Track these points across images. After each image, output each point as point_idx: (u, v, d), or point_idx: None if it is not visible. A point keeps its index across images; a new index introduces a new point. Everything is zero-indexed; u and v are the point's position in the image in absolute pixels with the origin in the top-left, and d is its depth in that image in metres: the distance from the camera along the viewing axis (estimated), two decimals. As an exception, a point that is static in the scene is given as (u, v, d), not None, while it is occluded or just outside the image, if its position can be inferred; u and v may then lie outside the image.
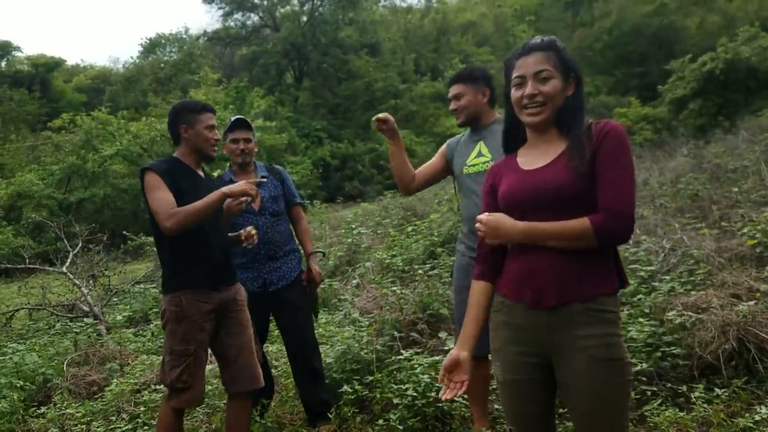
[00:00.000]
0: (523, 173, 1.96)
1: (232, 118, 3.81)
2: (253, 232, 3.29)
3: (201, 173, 3.18)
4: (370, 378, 3.89)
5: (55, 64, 41.19)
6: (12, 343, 6.23)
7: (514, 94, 1.94)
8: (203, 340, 3.01)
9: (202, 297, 2.98)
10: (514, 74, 1.94)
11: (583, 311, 1.82)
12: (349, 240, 8.51)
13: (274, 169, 3.93)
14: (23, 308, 8.35)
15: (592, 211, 1.82)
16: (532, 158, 1.97)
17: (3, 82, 36.48)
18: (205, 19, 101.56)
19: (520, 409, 1.98)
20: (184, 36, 40.41)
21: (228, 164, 3.83)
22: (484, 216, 1.94)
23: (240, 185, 2.88)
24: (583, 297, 1.82)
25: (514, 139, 2.07)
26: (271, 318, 3.91)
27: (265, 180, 3.59)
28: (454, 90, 3.22)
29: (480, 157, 3.13)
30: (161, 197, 2.85)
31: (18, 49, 41.56)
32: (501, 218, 1.91)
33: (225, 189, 2.88)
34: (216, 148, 3.13)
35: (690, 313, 3.76)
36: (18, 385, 4.83)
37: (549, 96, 1.88)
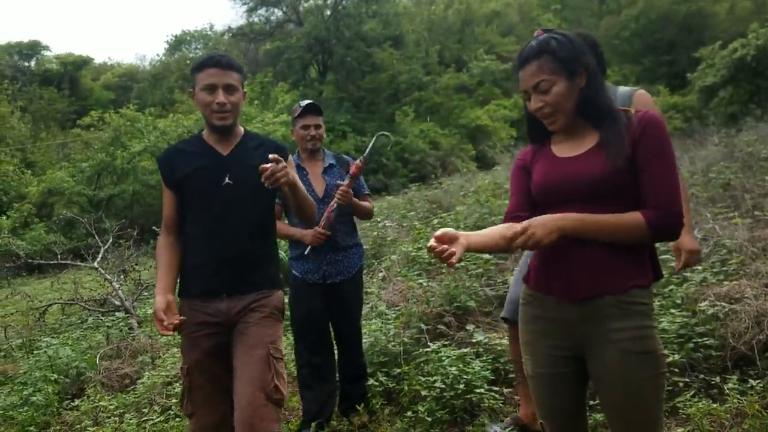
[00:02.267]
0: (556, 161, 1.93)
1: (302, 103, 3.66)
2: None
3: (221, 150, 2.54)
4: (398, 370, 3.90)
5: (83, 63, 41.79)
6: (46, 338, 6.35)
7: (529, 106, 1.91)
8: (198, 360, 2.48)
9: (197, 305, 2.50)
10: (521, 88, 1.90)
11: (615, 303, 1.79)
12: (375, 233, 8.51)
13: (342, 158, 3.81)
14: (56, 303, 8.50)
15: (623, 204, 1.79)
16: (566, 147, 1.93)
17: (33, 81, 37.16)
18: (229, 16, 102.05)
19: (552, 402, 1.96)
20: (209, 32, 40.78)
21: (297, 150, 3.69)
22: (520, 225, 1.75)
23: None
24: (614, 289, 1.79)
25: (538, 130, 2.01)
26: None
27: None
28: None
29: None
30: (164, 204, 2.59)
31: (47, 48, 42.35)
32: (543, 217, 1.78)
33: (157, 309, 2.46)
34: (224, 115, 2.43)
35: (723, 304, 3.69)
36: (52, 379, 4.92)
37: (555, 104, 1.83)
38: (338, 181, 3.58)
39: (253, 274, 2.54)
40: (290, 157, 2.73)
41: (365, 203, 3.75)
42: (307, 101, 3.70)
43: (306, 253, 3.52)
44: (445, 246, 1.73)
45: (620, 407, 1.82)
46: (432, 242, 1.75)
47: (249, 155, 2.54)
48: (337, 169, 3.69)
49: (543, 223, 1.74)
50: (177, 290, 2.55)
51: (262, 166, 2.24)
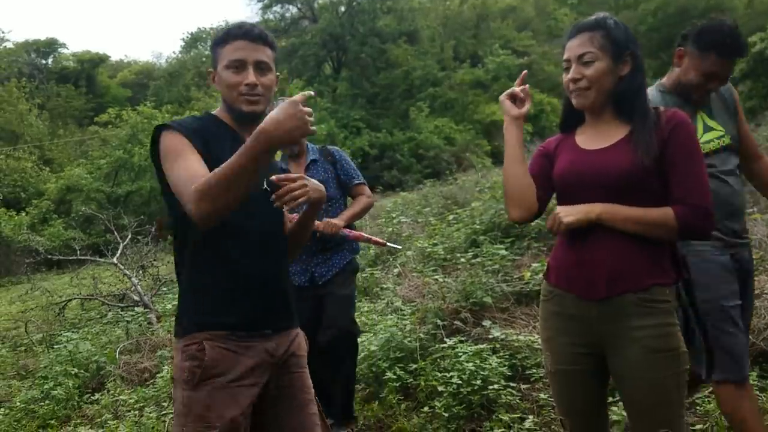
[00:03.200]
0: (582, 152, 1.92)
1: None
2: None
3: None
4: (414, 366, 3.91)
5: (100, 60, 42.12)
6: (66, 332, 6.43)
7: (564, 78, 1.90)
8: (236, 420, 1.80)
9: (235, 344, 1.84)
10: (564, 57, 1.90)
11: (637, 302, 1.78)
12: (390, 229, 8.52)
13: (326, 150, 3.51)
14: (75, 298, 8.60)
15: (647, 201, 1.79)
16: (592, 138, 1.93)
17: (50, 78, 37.52)
18: (244, 13, 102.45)
19: (572, 399, 1.96)
20: (225, 29, 40.84)
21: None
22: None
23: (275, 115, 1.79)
24: (636, 287, 1.79)
25: (571, 119, 2.02)
26: None
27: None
28: None
29: (710, 132, 2.43)
30: (186, 168, 1.74)
31: (64, 46, 42.69)
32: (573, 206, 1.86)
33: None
34: (255, 98, 1.90)
35: (741, 301, 3.66)
36: (73, 373, 4.99)
37: (592, 79, 1.83)
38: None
39: (291, 302, 2.04)
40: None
41: (358, 206, 3.44)
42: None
43: None
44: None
45: (642, 404, 1.81)
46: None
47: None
48: (321, 164, 3.41)
49: (571, 207, 1.80)
50: (201, 318, 1.86)
51: (276, 179, 1.78)
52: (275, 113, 1.59)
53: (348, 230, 3.32)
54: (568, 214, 1.81)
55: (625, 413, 2.04)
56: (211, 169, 1.69)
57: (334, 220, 3.27)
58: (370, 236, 3.35)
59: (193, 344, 1.82)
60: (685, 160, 1.78)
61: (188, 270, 1.91)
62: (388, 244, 3.53)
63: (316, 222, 3.02)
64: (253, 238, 1.91)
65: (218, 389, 1.79)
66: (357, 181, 3.49)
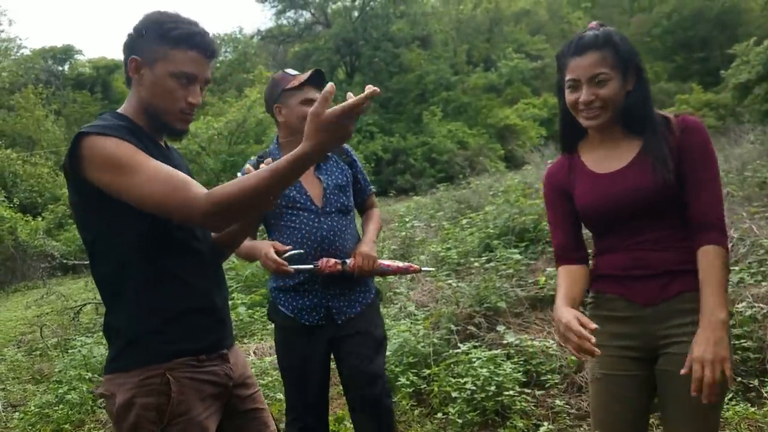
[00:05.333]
0: (598, 179, 1.86)
1: (293, 72, 2.68)
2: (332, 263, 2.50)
3: (163, 146, 1.82)
4: (428, 371, 3.88)
5: (115, 67, 42.35)
6: (81, 337, 6.44)
7: (569, 96, 1.82)
8: None
9: (197, 370, 1.67)
10: (568, 76, 1.81)
11: (691, 299, 1.74)
12: (403, 233, 8.49)
13: (341, 147, 2.73)
14: (90, 303, 8.64)
15: (672, 213, 1.77)
16: (602, 160, 1.87)
17: (66, 84, 37.90)
18: (258, 18, 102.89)
19: (614, 409, 1.87)
20: (239, 36, 41.05)
21: (277, 138, 2.77)
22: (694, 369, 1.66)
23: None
24: (689, 286, 1.76)
25: (572, 138, 1.94)
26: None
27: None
28: None
29: None
30: (156, 170, 1.53)
31: (79, 52, 43.03)
32: (703, 342, 1.67)
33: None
34: (190, 118, 1.74)
35: (761, 305, 3.61)
36: (87, 377, 4.99)
37: (607, 100, 1.76)
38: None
39: (230, 318, 1.89)
40: (247, 164, 2.15)
41: (376, 223, 2.84)
42: (315, 68, 2.67)
43: (295, 261, 2.47)
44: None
45: (689, 403, 1.72)
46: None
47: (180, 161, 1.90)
48: (334, 162, 2.72)
49: (705, 346, 1.65)
50: (163, 346, 1.64)
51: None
52: (321, 136, 1.43)
53: (387, 262, 2.68)
54: (714, 366, 1.64)
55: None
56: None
57: (367, 250, 2.58)
58: (409, 264, 2.72)
59: (154, 377, 1.58)
60: (700, 172, 1.75)
61: (133, 292, 1.63)
62: (423, 269, 2.97)
63: (350, 259, 2.53)
64: (202, 253, 1.75)
65: (190, 426, 1.61)
66: (372, 189, 2.92)
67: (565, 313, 1.73)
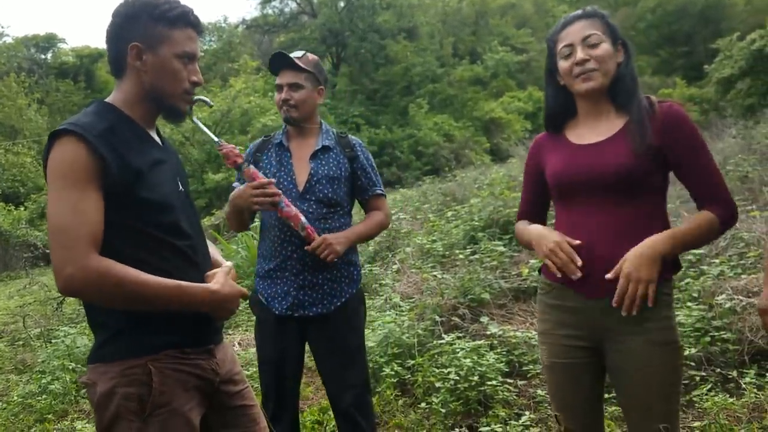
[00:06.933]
0: (576, 149, 1.88)
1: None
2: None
3: (157, 138, 1.77)
4: (412, 362, 3.91)
5: (99, 55, 41.99)
6: (64, 327, 6.42)
7: (563, 65, 1.87)
8: None
9: (181, 362, 1.65)
10: (561, 45, 1.87)
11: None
12: (389, 225, 8.51)
13: (346, 140, 2.68)
14: (73, 293, 8.59)
15: (646, 193, 1.79)
16: (586, 132, 1.90)
17: (49, 73, 37.45)
18: (244, 8, 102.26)
19: (568, 394, 1.94)
20: (224, 25, 40.80)
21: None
22: (621, 274, 1.73)
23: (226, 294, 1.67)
24: None
25: (560, 114, 1.98)
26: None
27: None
28: None
29: None
30: (79, 210, 1.49)
31: (63, 41, 42.59)
32: (634, 255, 1.72)
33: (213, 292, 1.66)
34: (193, 98, 1.76)
35: (740, 297, 3.66)
36: (70, 367, 4.98)
37: (601, 59, 1.81)
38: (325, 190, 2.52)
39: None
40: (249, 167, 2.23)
41: (372, 223, 2.66)
42: (277, 50, 2.64)
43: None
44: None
45: (643, 398, 1.80)
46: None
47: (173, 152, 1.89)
48: (335, 154, 2.60)
49: (638, 263, 1.71)
50: (144, 337, 1.61)
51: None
52: (223, 299, 1.65)
53: (310, 229, 2.42)
54: (643, 277, 1.71)
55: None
56: (120, 181, 1.53)
57: (332, 238, 2.44)
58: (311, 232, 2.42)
59: (136, 368, 1.57)
60: (696, 155, 1.79)
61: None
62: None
63: (315, 235, 2.41)
64: (188, 245, 1.72)
65: (172, 417, 1.59)
66: (378, 191, 2.70)
67: (555, 234, 1.84)
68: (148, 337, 1.60)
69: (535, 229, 1.94)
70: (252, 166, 2.37)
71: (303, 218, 2.38)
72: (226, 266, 1.77)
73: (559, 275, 1.81)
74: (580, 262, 1.77)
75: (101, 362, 1.61)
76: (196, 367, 1.67)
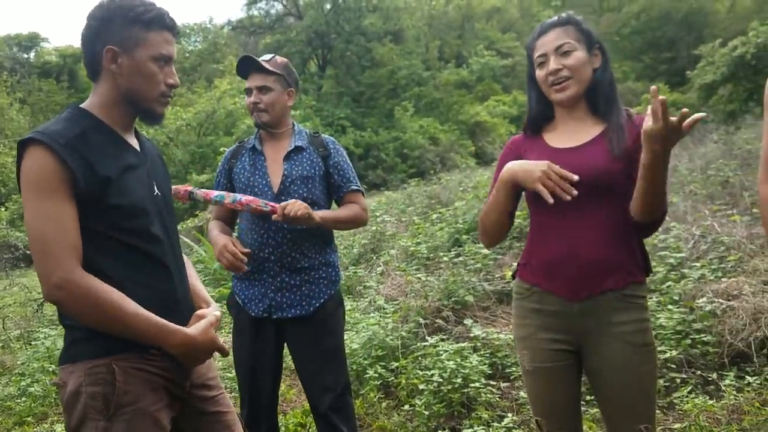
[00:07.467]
0: (554, 152, 1.89)
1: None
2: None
3: (134, 141, 1.75)
4: (396, 364, 3.91)
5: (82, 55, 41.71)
6: (44, 329, 6.35)
7: (539, 74, 1.89)
8: None
9: (153, 362, 1.64)
10: (536, 54, 1.90)
11: (618, 297, 1.81)
12: (374, 228, 8.50)
13: (318, 140, 2.66)
14: (54, 295, 8.50)
15: (618, 196, 1.80)
16: (564, 136, 1.91)
17: (31, 72, 37.06)
18: (229, 9, 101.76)
19: (550, 398, 1.95)
20: (209, 25, 40.61)
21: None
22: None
23: (201, 343, 1.65)
24: (616, 284, 1.81)
25: (540, 118, 1.99)
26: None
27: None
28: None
29: None
30: (58, 221, 1.51)
31: (45, 40, 42.31)
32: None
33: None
34: (169, 100, 1.73)
35: (720, 301, 3.70)
36: (50, 370, 4.92)
37: (573, 68, 1.83)
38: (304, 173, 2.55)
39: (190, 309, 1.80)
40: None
41: (347, 211, 2.61)
42: (243, 54, 2.62)
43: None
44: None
45: (621, 400, 1.83)
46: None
47: (154, 155, 1.86)
48: (308, 154, 2.59)
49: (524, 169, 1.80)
50: (90, 345, 1.60)
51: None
52: (196, 347, 1.62)
53: (272, 203, 2.40)
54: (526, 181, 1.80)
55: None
56: (87, 190, 1.53)
57: (302, 204, 2.37)
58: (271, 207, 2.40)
59: (100, 367, 1.56)
60: None
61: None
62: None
63: (275, 204, 2.37)
64: (165, 250, 1.71)
65: (139, 416, 1.58)
66: (353, 187, 2.65)
67: (541, 162, 1.82)
68: (114, 338, 1.57)
69: (517, 162, 1.85)
70: (200, 189, 2.54)
71: (261, 199, 2.43)
72: (213, 316, 1.72)
73: (551, 201, 1.74)
74: (576, 178, 1.73)
75: (70, 362, 1.61)
76: (163, 369, 1.65)
